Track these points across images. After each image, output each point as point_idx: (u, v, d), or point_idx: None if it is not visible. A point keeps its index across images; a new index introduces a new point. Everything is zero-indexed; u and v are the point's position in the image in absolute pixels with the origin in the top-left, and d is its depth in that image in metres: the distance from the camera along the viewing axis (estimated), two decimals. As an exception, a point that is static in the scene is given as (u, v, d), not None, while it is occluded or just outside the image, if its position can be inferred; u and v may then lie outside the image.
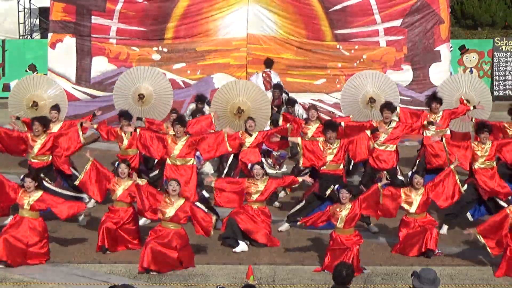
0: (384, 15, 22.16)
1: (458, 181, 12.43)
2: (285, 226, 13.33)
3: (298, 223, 12.23)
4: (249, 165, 12.95)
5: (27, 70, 25.04)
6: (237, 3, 22.31)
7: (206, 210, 12.88)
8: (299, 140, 13.50)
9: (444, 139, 13.49)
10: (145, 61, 22.27)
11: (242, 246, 12.31)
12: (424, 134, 15.00)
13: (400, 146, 14.82)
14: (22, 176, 12.05)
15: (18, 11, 27.39)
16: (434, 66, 22.19)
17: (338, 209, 11.47)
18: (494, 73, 25.10)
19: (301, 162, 13.51)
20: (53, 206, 11.90)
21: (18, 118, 15.73)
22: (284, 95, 19.03)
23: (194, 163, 13.57)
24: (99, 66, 22.40)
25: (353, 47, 22.23)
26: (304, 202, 13.41)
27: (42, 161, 13.59)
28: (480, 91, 16.33)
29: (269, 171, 16.49)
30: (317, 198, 13.26)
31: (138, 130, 13.80)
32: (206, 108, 18.79)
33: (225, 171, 15.72)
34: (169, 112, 17.39)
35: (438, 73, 22.08)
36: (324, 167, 13.25)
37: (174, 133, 13.59)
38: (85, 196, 14.68)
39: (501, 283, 11.06)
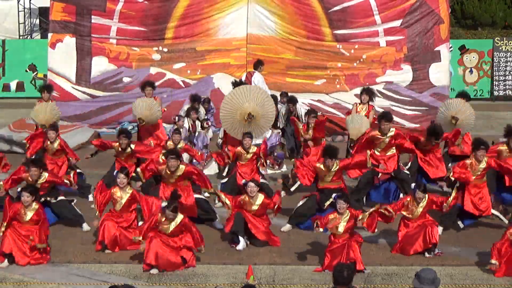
0: (384, 15, 22.18)
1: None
2: (287, 227, 13.34)
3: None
4: (243, 181, 12.89)
5: (27, 70, 25.08)
6: (237, 3, 22.33)
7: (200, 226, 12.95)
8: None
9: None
10: (145, 61, 22.32)
11: (242, 244, 12.32)
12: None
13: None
14: (19, 189, 12.05)
15: (18, 11, 27.43)
16: (434, 66, 22.20)
17: (336, 220, 11.47)
18: (494, 73, 25.13)
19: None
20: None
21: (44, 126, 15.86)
22: (279, 105, 19.04)
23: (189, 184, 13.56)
24: (99, 66, 22.41)
25: (353, 47, 22.24)
26: (303, 202, 13.40)
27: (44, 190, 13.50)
28: (463, 111, 16.26)
29: (269, 171, 16.50)
30: (318, 209, 13.27)
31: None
32: (202, 109, 18.81)
33: (225, 172, 15.76)
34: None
35: (438, 73, 22.11)
36: (323, 184, 13.35)
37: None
38: (90, 196, 14.72)
39: (501, 283, 11.06)
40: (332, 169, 13.15)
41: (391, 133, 14.42)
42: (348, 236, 11.44)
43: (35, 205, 11.82)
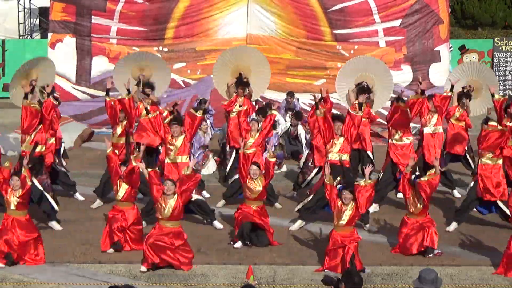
0: (383, 15, 22.19)
1: None
2: (297, 224, 13.27)
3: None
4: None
5: (27, 70, 25.02)
6: (237, 3, 22.35)
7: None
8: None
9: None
10: (145, 61, 22.31)
11: (239, 243, 12.34)
12: (425, 131, 15.03)
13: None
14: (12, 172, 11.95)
15: (18, 11, 27.40)
16: (433, 66, 22.22)
17: (342, 207, 11.45)
18: (494, 73, 25.10)
19: None
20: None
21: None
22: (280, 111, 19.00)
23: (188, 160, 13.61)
24: (99, 66, 22.43)
25: (353, 48, 22.25)
26: (312, 196, 13.34)
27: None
28: (486, 76, 16.24)
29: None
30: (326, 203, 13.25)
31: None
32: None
33: (228, 167, 15.72)
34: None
35: (438, 73, 22.11)
36: (331, 157, 13.37)
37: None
38: (77, 194, 14.70)
39: (501, 283, 11.06)
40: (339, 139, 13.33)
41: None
42: (349, 234, 11.41)
43: (21, 190, 11.70)
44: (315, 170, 14.55)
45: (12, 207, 11.71)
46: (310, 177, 14.75)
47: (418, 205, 12.02)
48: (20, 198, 11.68)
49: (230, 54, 17.53)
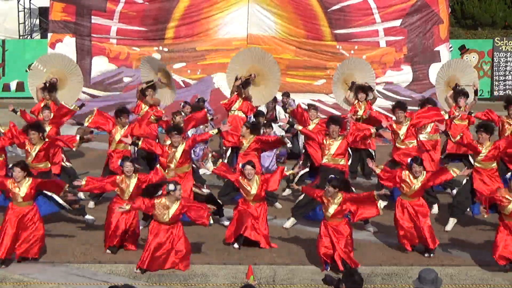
0: (383, 15, 22.20)
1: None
2: (290, 222, 13.30)
3: (295, 187, 12.51)
4: (240, 165, 12.86)
5: (27, 70, 25.04)
6: (237, 3, 22.37)
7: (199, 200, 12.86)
8: None
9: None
10: (145, 61, 22.34)
11: (237, 245, 12.36)
12: (420, 139, 15.04)
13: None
14: (10, 165, 11.86)
15: (18, 11, 27.40)
16: (433, 66, 22.22)
17: (328, 200, 11.42)
18: (494, 73, 25.12)
19: None
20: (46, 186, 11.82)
21: (14, 111, 15.73)
22: (278, 107, 18.91)
23: (190, 169, 13.56)
24: (99, 66, 22.44)
25: (353, 48, 22.26)
26: (303, 195, 13.33)
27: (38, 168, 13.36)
28: (462, 69, 16.68)
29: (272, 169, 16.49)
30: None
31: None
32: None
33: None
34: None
35: (438, 73, 22.13)
36: (326, 160, 13.36)
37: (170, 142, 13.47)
38: (80, 194, 14.66)
39: (501, 283, 11.07)
40: (336, 140, 13.29)
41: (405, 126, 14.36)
42: (336, 224, 11.37)
43: (27, 180, 11.57)
44: (306, 169, 14.62)
45: (19, 199, 11.55)
46: (302, 172, 14.66)
47: (415, 185, 11.96)
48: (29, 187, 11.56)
49: (255, 53, 17.74)
